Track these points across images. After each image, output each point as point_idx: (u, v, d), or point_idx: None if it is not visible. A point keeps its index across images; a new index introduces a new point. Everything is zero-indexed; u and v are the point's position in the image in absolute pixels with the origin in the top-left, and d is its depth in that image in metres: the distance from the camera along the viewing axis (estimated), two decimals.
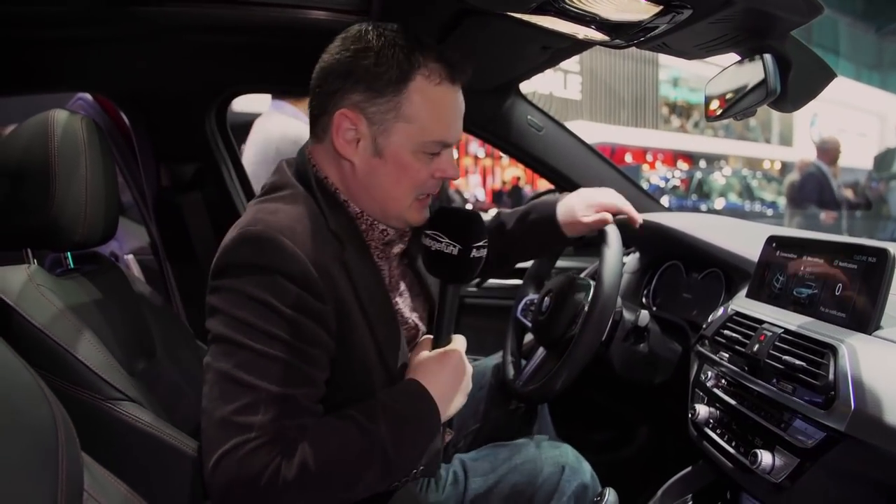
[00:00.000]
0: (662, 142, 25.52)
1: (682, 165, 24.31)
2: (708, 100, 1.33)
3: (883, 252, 1.13)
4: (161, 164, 2.14)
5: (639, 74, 24.43)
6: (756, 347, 1.27)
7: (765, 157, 27.66)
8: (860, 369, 1.04)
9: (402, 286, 1.38)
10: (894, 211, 6.31)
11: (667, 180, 15.57)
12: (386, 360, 1.20)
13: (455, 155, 1.32)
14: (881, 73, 28.91)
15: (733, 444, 1.28)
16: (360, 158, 1.18)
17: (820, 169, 7.31)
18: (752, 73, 1.17)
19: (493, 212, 2.19)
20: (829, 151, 7.34)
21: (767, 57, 1.12)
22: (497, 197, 18.68)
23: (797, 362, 1.15)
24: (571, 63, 21.76)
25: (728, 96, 1.25)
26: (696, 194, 15.36)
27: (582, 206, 1.61)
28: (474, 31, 1.50)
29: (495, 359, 1.90)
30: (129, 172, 2.35)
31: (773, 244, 1.43)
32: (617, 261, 1.51)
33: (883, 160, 6.76)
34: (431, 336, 1.28)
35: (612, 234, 1.56)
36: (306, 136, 1.28)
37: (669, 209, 2.38)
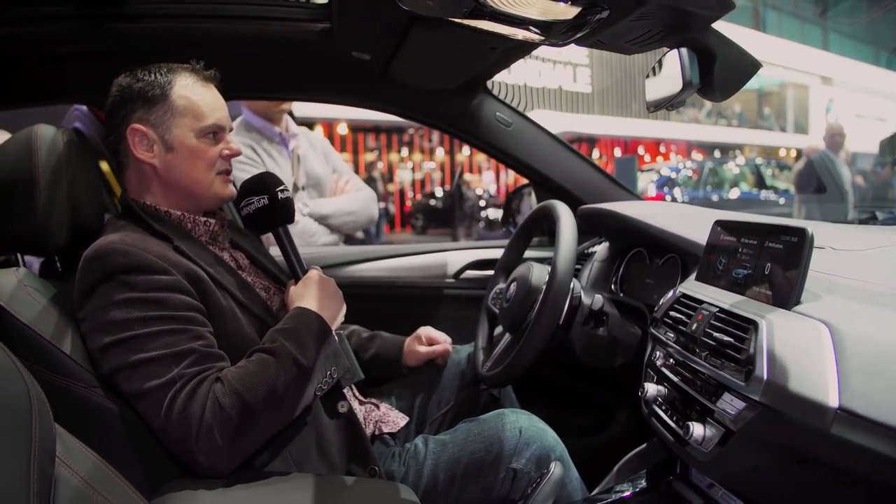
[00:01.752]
0: (676, 133, 25.39)
1: (697, 156, 24.18)
2: (647, 93, 1.41)
3: (802, 231, 1.19)
4: None
5: (649, 65, 24.29)
6: (694, 326, 1.34)
7: (780, 145, 27.43)
8: (774, 342, 1.10)
9: (256, 270, 1.65)
10: None
11: (678, 171, 15.46)
12: (252, 310, 1.45)
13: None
14: None
15: (674, 418, 1.34)
16: (158, 159, 1.46)
17: (826, 156, 7.33)
18: (675, 66, 1.23)
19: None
20: (833, 138, 7.37)
21: (683, 51, 1.19)
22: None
23: (725, 338, 1.21)
24: (580, 56, 21.69)
25: (659, 89, 1.32)
26: (709, 185, 15.28)
27: (416, 341, 1.91)
28: (424, 35, 1.59)
29: (470, 347, 1.98)
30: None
31: (719, 228, 1.49)
32: (570, 247, 1.58)
33: (888, 145, 6.75)
34: (292, 280, 1.58)
35: (567, 221, 1.63)
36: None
37: (639, 197, 2.45)
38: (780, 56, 24.66)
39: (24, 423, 0.82)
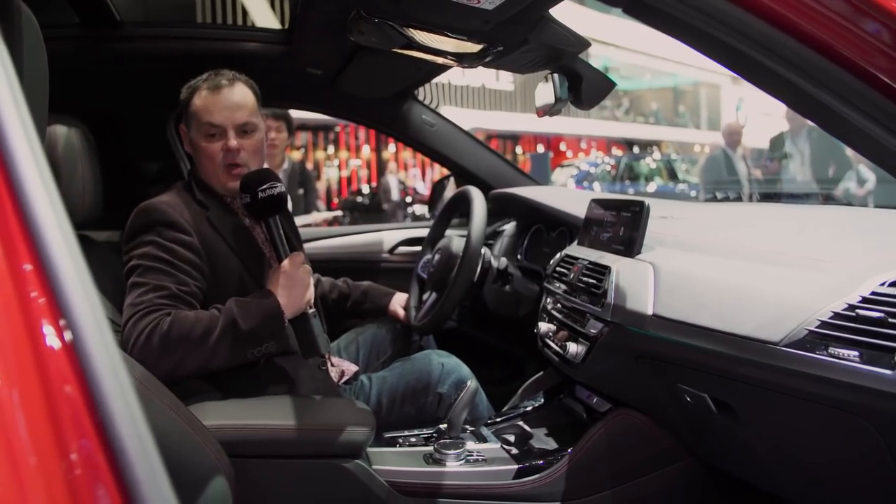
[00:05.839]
0: (596, 129, 26.28)
1: (616, 152, 25.07)
2: (536, 104, 1.88)
3: (641, 203, 1.68)
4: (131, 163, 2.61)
5: None
6: (572, 276, 1.82)
7: (695, 141, 28.65)
8: (619, 279, 1.59)
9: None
10: (786, 186, 7.01)
11: (596, 166, 16.24)
12: (253, 274, 1.77)
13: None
14: None
15: (558, 344, 1.82)
16: (192, 152, 1.84)
17: (724, 152, 8.03)
18: (552, 85, 1.71)
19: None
20: (732, 136, 8.09)
21: (555, 76, 1.66)
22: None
23: (590, 280, 1.70)
24: None
25: (543, 101, 1.79)
26: (626, 179, 16.06)
27: (398, 303, 2.35)
28: (367, 58, 2.03)
29: None
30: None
31: (593, 205, 1.98)
32: (481, 221, 2.04)
33: (776, 141, 7.44)
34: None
35: (478, 202, 2.10)
36: None
37: (539, 183, 2.94)
38: (693, 57, 25.76)
39: None
